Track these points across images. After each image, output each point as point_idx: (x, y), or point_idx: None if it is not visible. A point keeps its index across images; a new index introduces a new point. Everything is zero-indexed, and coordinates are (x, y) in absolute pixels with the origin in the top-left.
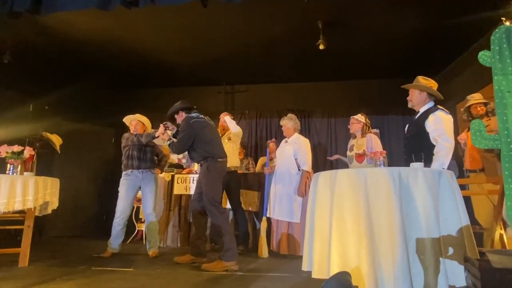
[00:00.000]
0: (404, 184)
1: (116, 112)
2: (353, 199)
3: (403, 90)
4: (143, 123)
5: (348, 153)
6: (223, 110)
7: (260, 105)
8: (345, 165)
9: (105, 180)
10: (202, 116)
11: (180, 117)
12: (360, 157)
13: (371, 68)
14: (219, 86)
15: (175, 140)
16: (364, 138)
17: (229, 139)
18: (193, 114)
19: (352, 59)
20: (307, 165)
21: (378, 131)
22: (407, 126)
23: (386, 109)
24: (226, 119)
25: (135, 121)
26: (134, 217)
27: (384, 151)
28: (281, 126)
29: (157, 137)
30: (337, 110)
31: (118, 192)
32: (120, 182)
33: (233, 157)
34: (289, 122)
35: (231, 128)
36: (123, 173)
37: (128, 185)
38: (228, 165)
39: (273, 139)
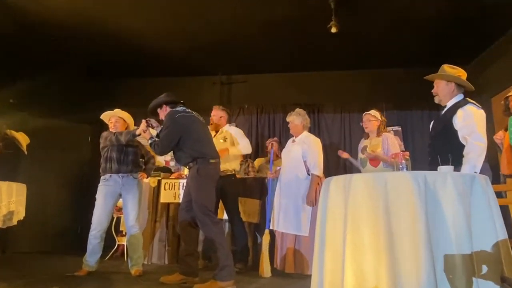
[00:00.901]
0: (430, 191)
1: (94, 106)
2: (370, 209)
3: (429, 81)
4: (124, 120)
5: (361, 155)
6: (218, 104)
7: (261, 99)
8: (357, 170)
9: (81, 186)
10: (189, 110)
11: (164, 111)
12: (375, 160)
13: (391, 55)
14: (214, 76)
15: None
16: (379, 138)
17: (225, 139)
18: (179, 108)
19: (369, 44)
20: (318, 168)
21: (399, 129)
22: (432, 123)
23: (408, 104)
24: (236, 131)
25: (114, 118)
26: (114, 229)
27: (407, 152)
28: (288, 123)
29: (138, 135)
30: (351, 104)
31: (95, 200)
32: (98, 189)
33: (231, 160)
34: (297, 118)
35: (241, 147)
36: (101, 178)
37: (106, 192)
38: (224, 168)
39: (275, 138)
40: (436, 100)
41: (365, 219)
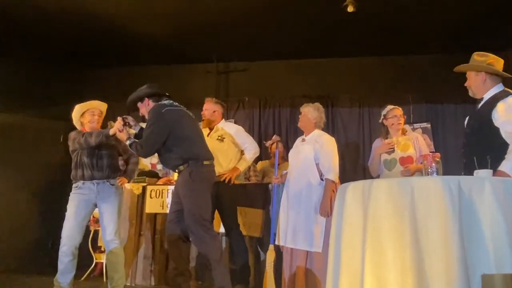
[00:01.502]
0: (465, 199)
1: (67, 99)
2: (394, 220)
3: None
4: (101, 112)
5: (386, 156)
6: (214, 96)
7: (265, 90)
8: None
9: (52, 194)
10: (176, 104)
11: (146, 106)
12: (408, 158)
13: (418, 38)
14: (209, 63)
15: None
16: (406, 136)
17: (222, 138)
18: (165, 102)
19: (392, 26)
20: (333, 172)
21: (428, 125)
22: (467, 119)
23: (439, 96)
24: (237, 131)
25: (91, 111)
26: (91, 244)
27: (437, 153)
28: (298, 116)
29: (112, 135)
30: (371, 97)
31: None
32: (69, 198)
33: (228, 162)
34: (312, 112)
35: (250, 154)
36: (73, 185)
37: (79, 201)
38: (219, 171)
39: (277, 137)
40: (470, 93)
41: (388, 232)
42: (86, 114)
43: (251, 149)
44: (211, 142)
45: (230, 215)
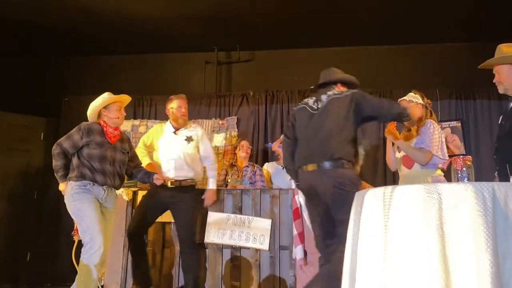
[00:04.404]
0: (500, 209)
1: (48, 93)
2: (419, 234)
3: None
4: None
5: (397, 153)
6: (213, 89)
7: (272, 83)
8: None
9: (31, 200)
10: None
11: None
12: (409, 159)
13: (447, 25)
14: (208, 52)
15: None
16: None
17: (189, 140)
18: None
19: (417, 11)
20: None
21: (458, 124)
22: (500, 118)
23: (471, 90)
24: (205, 142)
25: (118, 105)
26: (75, 256)
27: (469, 156)
28: None
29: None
30: (394, 90)
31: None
32: (75, 196)
33: (196, 168)
34: None
35: (211, 169)
36: (78, 182)
37: (94, 201)
38: (180, 175)
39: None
40: (501, 90)
41: (412, 247)
42: (113, 108)
43: (214, 164)
44: (177, 141)
45: (187, 225)
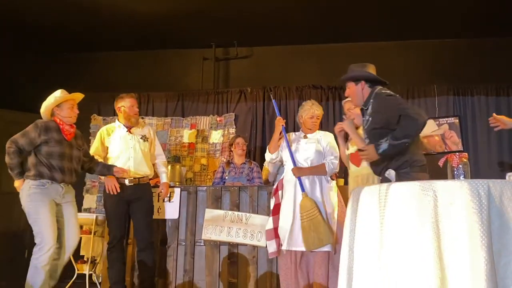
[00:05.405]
0: (495, 206)
1: (44, 88)
2: (414, 231)
3: (497, 56)
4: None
5: (346, 151)
6: (211, 85)
7: (270, 79)
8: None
9: None
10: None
11: (359, 89)
12: (356, 156)
13: (446, 20)
14: (205, 49)
15: None
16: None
17: (145, 139)
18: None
19: (414, 5)
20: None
21: (456, 120)
22: None
23: (468, 87)
24: (157, 140)
25: (71, 103)
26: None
27: (465, 153)
28: (311, 117)
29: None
30: (391, 87)
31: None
32: (32, 196)
33: (149, 166)
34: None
35: (161, 166)
36: (36, 182)
37: (49, 201)
38: (138, 172)
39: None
40: None
41: (408, 244)
42: (65, 106)
43: (165, 160)
44: (134, 140)
45: (147, 223)
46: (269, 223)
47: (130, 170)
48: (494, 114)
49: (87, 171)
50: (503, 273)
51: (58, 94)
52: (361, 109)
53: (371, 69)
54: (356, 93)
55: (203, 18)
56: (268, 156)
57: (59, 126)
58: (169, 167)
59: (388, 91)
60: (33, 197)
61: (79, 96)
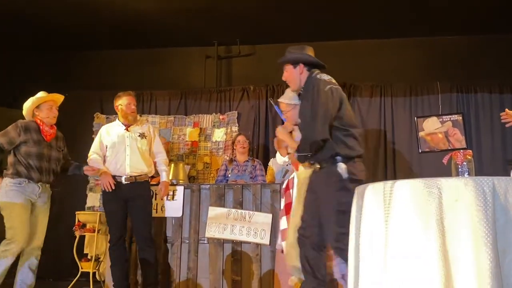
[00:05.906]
0: (500, 204)
1: (47, 87)
2: (419, 230)
3: (503, 54)
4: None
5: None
6: (214, 83)
7: (273, 77)
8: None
9: None
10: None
11: (297, 72)
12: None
13: (450, 17)
14: (208, 47)
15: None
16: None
17: (143, 136)
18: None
19: (415, 3)
20: None
21: (459, 117)
22: None
23: (471, 84)
24: (157, 138)
25: (49, 104)
26: (77, 252)
27: (469, 151)
28: None
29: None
30: (395, 84)
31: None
32: (8, 193)
33: (149, 164)
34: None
35: (161, 163)
36: (13, 180)
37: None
38: (135, 170)
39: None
40: None
41: (412, 242)
42: (44, 107)
43: (166, 158)
44: (131, 138)
45: (146, 221)
46: (282, 223)
47: (126, 168)
48: (506, 110)
49: (62, 171)
50: (508, 271)
51: (38, 95)
52: (299, 94)
53: (310, 52)
54: (294, 77)
55: (206, 16)
56: (280, 159)
57: (39, 126)
58: (173, 165)
59: (324, 77)
60: (10, 194)
61: (59, 97)
